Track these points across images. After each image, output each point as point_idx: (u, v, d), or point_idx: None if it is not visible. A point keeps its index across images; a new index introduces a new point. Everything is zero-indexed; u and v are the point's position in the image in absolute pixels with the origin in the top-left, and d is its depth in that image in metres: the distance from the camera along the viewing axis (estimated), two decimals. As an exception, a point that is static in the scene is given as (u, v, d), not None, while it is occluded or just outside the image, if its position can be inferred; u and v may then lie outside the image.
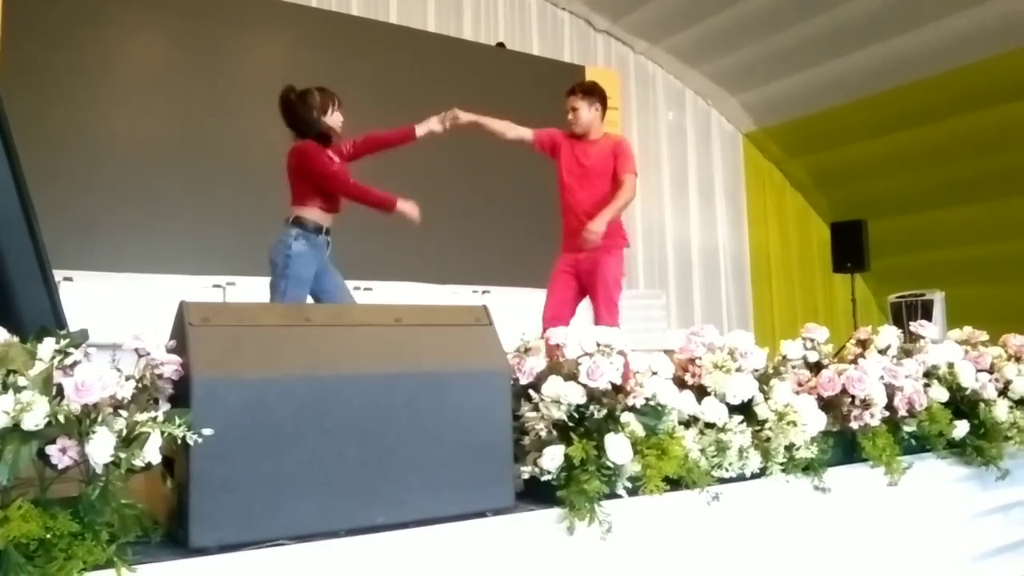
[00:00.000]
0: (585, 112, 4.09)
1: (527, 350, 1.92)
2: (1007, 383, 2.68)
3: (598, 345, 1.80)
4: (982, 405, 2.55)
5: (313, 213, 3.82)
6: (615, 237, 4.10)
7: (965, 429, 2.47)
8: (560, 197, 4.17)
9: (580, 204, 4.03)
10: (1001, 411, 2.55)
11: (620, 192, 3.95)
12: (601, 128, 4.19)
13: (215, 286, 5.59)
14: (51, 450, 1.20)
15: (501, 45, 7.68)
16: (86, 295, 4.83)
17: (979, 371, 2.61)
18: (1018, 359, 2.79)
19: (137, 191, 5.66)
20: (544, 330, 3.64)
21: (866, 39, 7.13)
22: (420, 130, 4.02)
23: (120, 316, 4.50)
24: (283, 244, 3.76)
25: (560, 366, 1.81)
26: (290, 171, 3.87)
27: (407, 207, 3.82)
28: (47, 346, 1.30)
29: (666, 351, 2.05)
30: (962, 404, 2.54)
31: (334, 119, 3.93)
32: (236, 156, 6.06)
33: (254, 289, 5.67)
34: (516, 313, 4.12)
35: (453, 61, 7.17)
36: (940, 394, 2.48)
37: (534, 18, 7.96)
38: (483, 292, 6.47)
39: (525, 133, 4.20)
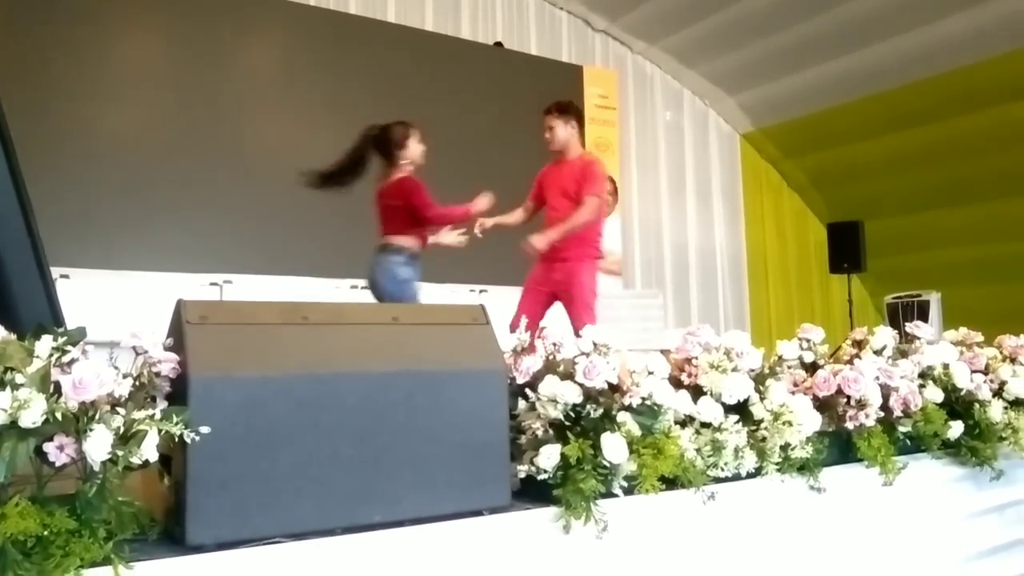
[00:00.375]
0: (561, 130, 4.17)
1: (524, 349, 1.92)
2: (1002, 384, 2.68)
3: (595, 345, 1.81)
4: (977, 406, 2.55)
5: (410, 241, 3.98)
6: (588, 247, 4.17)
7: (960, 430, 2.48)
8: (546, 215, 4.29)
9: (550, 222, 4.14)
10: (996, 412, 2.56)
11: (576, 212, 4.02)
12: (579, 146, 4.28)
13: (212, 284, 5.58)
14: (49, 447, 1.21)
15: (499, 44, 7.67)
16: (83, 293, 4.83)
17: (974, 372, 2.62)
18: (1013, 360, 2.79)
19: (134, 189, 5.66)
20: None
21: (864, 40, 7.14)
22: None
23: (117, 314, 4.51)
24: (389, 271, 3.91)
25: (557, 365, 1.81)
26: (392, 201, 3.99)
27: (480, 205, 4.04)
28: (44, 343, 1.30)
29: (663, 351, 2.06)
30: (957, 405, 2.55)
31: (415, 151, 4.08)
32: (233, 154, 6.06)
33: (250, 287, 5.67)
34: (513, 312, 4.14)
35: (451, 60, 7.17)
36: (935, 395, 2.48)
37: (532, 18, 7.96)
38: (480, 291, 6.47)
39: (528, 205, 4.37)
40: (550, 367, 1.82)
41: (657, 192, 8.51)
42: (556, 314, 4.15)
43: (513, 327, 4.08)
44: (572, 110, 4.25)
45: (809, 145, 8.54)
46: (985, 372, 2.68)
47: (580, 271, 4.08)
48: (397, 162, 4.02)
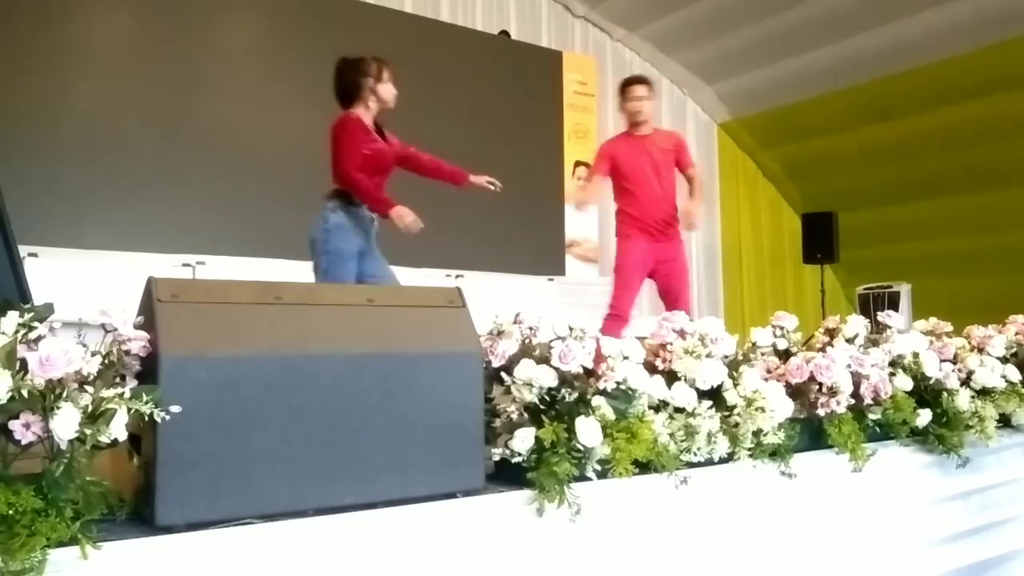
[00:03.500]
0: (648, 104, 4.45)
1: (500, 333, 1.92)
2: (970, 373, 2.72)
3: (570, 329, 1.81)
4: (945, 394, 2.59)
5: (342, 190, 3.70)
6: (678, 224, 4.48)
7: (928, 418, 2.52)
8: (635, 191, 4.41)
9: (644, 196, 4.37)
10: (963, 401, 2.60)
11: (697, 184, 4.44)
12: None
13: (184, 265, 5.52)
14: (14, 425, 1.18)
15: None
16: (52, 272, 4.74)
17: (943, 361, 2.66)
18: (981, 350, 2.83)
19: (106, 167, 5.56)
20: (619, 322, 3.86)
21: (842, 32, 7.19)
22: (474, 178, 4.06)
23: (87, 294, 4.43)
24: (320, 218, 3.64)
25: (532, 349, 1.81)
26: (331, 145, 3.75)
27: (398, 213, 3.64)
28: (10, 320, 1.27)
29: (638, 337, 2.06)
30: (926, 393, 2.58)
31: (387, 90, 3.84)
32: (207, 133, 5.97)
33: (224, 269, 5.61)
34: (489, 298, 4.13)
35: (429, 44, 7.11)
36: (905, 383, 2.52)
37: (512, 2, 7.92)
38: (456, 276, 6.45)
39: (595, 179, 4.59)
40: (526, 351, 1.82)
41: (634, 180, 8.52)
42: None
43: (618, 310, 4.22)
44: (652, 84, 4.48)
45: (785, 136, 8.59)
46: (954, 362, 2.73)
47: (681, 249, 4.42)
48: (362, 97, 3.74)
